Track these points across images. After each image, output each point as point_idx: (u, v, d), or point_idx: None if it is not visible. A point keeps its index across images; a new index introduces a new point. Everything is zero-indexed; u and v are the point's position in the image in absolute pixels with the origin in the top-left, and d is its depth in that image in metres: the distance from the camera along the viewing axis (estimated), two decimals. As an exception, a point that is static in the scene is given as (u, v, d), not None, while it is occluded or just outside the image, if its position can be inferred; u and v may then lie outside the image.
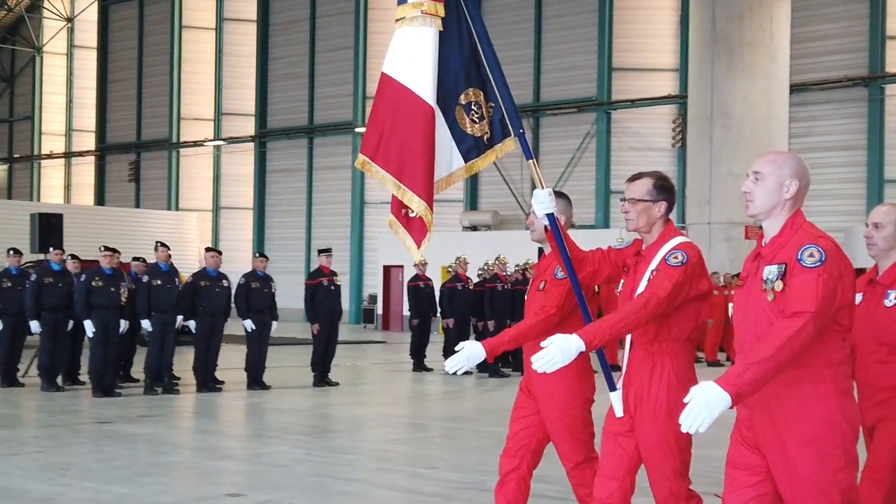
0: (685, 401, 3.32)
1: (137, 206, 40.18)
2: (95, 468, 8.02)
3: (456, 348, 4.65)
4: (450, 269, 17.70)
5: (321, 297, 14.71)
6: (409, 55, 4.78)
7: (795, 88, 25.60)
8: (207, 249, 14.12)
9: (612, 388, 4.38)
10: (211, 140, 38.83)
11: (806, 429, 3.48)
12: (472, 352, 4.61)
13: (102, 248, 13.14)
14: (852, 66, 26.89)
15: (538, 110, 31.62)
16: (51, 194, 44.63)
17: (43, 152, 45.10)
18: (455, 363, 4.60)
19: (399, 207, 4.85)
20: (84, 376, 14.00)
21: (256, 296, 14.10)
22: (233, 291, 13.99)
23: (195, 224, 38.16)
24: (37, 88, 45.22)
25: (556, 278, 4.89)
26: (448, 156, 4.84)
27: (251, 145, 38.03)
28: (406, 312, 30.92)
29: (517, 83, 31.41)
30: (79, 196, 43.59)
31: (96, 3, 42.55)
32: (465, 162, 4.86)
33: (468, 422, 11.34)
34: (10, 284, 14.01)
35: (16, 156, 46.17)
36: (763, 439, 3.56)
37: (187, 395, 13.34)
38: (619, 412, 4.32)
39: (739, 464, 3.62)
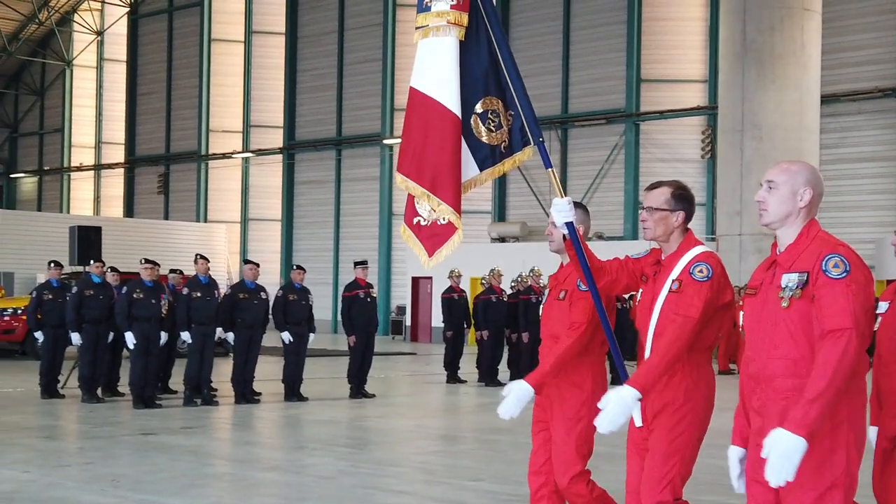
0: (763, 455, 3.33)
1: (166, 217, 40.46)
2: (146, 480, 8.10)
3: (503, 393, 4.65)
4: (483, 281, 17.75)
5: (357, 309, 14.79)
6: (434, 66, 4.80)
7: (826, 99, 25.54)
8: (245, 261, 14.23)
9: None
10: (239, 152, 39.07)
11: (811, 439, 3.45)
12: (520, 393, 4.62)
13: (143, 261, 13.27)
14: (883, 76, 26.81)
15: (566, 122, 31.66)
16: (80, 206, 44.98)
17: (73, 164, 45.48)
18: (507, 409, 4.60)
19: (412, 217, 4.87)
20: (123, 388, 14.13)
21: (294, 308, 14.18)
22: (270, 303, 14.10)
23: (223, 236, 38.44)
24: (67, 101, 45.63)
25: (581, 290, 4.87)
26: (464, 164, 4.84)
27: (279, 157, 38.24)
28: (434, 324, 31.11)
29: (546, 94, 31.52)
30: (108, 208, 43.93)
31: (126, 16, 42.94)
32: (480, 170, 4.86)
33: (507, 434, 11.35)
34: (50, 297, 14.18)
35: (46, 168, 46.58)
36: None
37: (226, 406, 13.42)
38: (638, 422, 4.33)
39: (760, 481, 3.58)
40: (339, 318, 15.61)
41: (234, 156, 39.20)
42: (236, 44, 39.47)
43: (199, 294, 13.39)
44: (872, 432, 4.52)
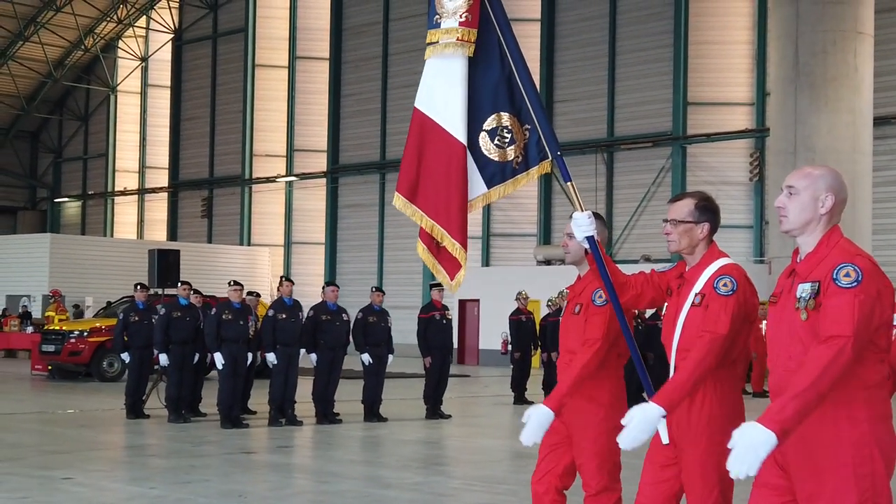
0: (729, 446, 3.23)
1: (209, 241, 40.84)
2: (271, 497, 8.30)
3: (523, 419, 4.52)
4: (550, 303, 17.91)
5: (434, 330, 14.97)
6: (440, 88, 4.77)
7: (877, 122, 25.61)
8: (327, 283, 14.46)
9: None
10: (283, 176, 39.45)
11: (833, 453, 3.36)
12: (541, 417, 4.48)
13: (231, 283, 13.52)
14: (934, 99, 26.91)
15: (613, 145, 31.85)
16: (124, 230, 45.48)
17: (116, 189, 46.00)
18: (530, 435, 4.45)
19: (431, 238, 4.83)
20: (205, 408, 14.35)
21: (373, 329, 14.39)
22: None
23: (267, 259, 38.79)
24: (111, 127, 46.21)
25: (595, 305, 4.81)
26: (471, 183, 4.79)
27: (323, 181, 38.58)
28: (483, 346, 31.27)
29: (592, 118, 31.75)
30: (151, 232, 44.38)
31: (170, 42, 43.50)
32: (489, 188, 4.79)
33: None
34: (137, 318, 14.44)
35: (90, 192, 47.13)
36: (790, 460, 3.47)
37: (309, 426, 13.60)
38: (664, 439, 4.27)
39: (767, 483, 3.51)
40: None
41: (277, 180, 39.58)
42: (280, 69, 39.91)
43: (284, 316, 13.61)
44: None
